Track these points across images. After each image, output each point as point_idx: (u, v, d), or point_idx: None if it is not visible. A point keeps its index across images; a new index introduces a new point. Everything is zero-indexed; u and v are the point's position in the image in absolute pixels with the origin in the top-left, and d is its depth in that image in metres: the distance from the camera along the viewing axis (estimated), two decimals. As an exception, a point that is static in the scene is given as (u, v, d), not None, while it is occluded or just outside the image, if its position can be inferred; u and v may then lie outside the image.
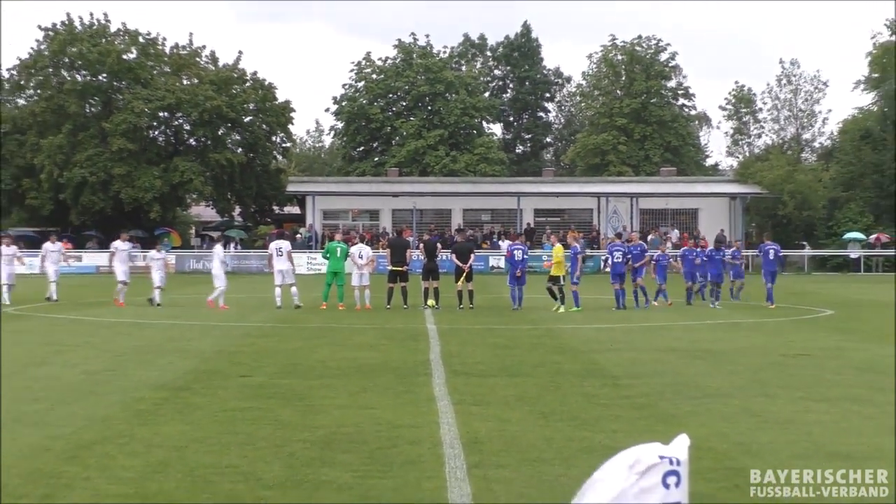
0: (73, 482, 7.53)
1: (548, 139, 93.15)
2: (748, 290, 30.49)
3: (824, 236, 61.63)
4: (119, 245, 28.73)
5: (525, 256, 26.86)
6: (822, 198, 62.21)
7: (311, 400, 11.15)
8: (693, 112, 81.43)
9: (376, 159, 72.86)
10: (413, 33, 75.13)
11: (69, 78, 60.71)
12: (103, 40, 60.58)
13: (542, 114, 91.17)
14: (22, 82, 61.82)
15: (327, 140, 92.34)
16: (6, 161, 59.53)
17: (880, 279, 49.42)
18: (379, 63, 74.14)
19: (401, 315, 23.95)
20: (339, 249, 26.37)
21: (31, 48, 61.33)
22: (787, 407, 10.83)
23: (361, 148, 75.32)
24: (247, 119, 63.46)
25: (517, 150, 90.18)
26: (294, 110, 65.12)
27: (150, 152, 60.46)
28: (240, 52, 75.23)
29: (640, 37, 76.34)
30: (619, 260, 26.62)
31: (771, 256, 28.37)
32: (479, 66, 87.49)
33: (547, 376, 13.12)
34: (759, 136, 73.40)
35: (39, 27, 61.97)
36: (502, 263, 47.92)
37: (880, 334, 19.36)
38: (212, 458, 8.22)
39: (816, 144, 74.21)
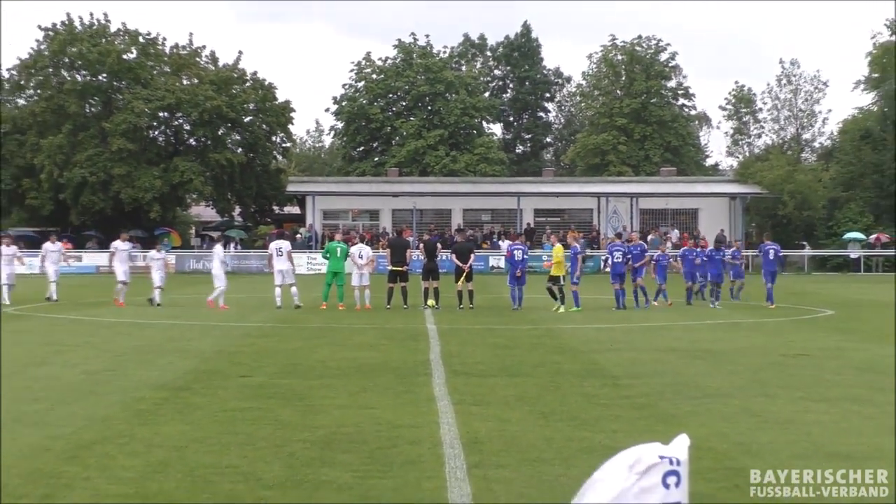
0: (73, 482, 7.53)
1: (548, 139, 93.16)
2: (748, 289, 30.50)
3: (824, 236, 61.64)
4: (119, 245, 28.74)
5: (525, 256, 26.86)
6: (822, 198, 62.21)
7: (311, 400, 11.15)
8: (693, 112, 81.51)
9: (376, 159, 72.86)
10: (413, 33, 75.25)
11: (69, 78, 60.72)
12: (103, 40, 60.59)
13: (542, 114, 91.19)
14: (22, 82, 61.84)
15: (327, 140, 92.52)
16: (6, 161, 59.55)
17: (880, 279, 49.42)
18: (379, 63, 74.16)
19: (401, 315, 23.95)
20: (339, 249, 26.37)
21: (31, 48, 61.43)
22: (786, 407, 10.83)
23: (361, 148, 75.32)
24: (247, 119, 63.47)
25: (517, 150, 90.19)
26: (294, 110, 65.22)
27: (150, 152, 60.47)
28: (240, 52, 75.37)
29: (640, 37, 76.44)
30: (619, 260, 26.63)
31: (771, 256, 28.38)
32: (479, 66, 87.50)
33: (547, 376, 13.12)
34: (759, 136, 73.53)
35: (39, 27, 62.06)
36: (502, 263, 47.93)
37: (880, 334, 19.37)
38: (212, 458, 8.22)
39: (816, 144, 74.33)
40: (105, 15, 62.22)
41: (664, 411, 10.63)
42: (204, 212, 73.69)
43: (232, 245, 54.54)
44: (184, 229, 68.65)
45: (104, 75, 60.82)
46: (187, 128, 62.76)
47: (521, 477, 7.71)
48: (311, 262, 50.64)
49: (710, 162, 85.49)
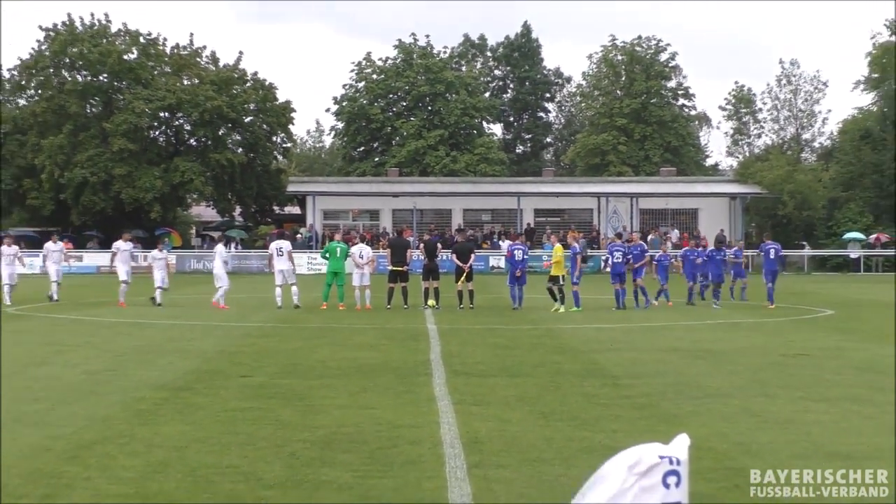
0: (73, 482, 7.54)
1: (548, 139, 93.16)
2: (749, 289, 30.47)
3: (824, 236, 61.64)
4: (121, 245, 28.74)
5: (525, 256, 26.89)
6: (822, 198, 62.22)
7: (312, 400, 11.15)
8: (693, 112, 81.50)
9: (376, 159, 72.85)
10: (413, 33, 75.22)
11: (70, 78, 60.75)
12: (104, 40, 60.61)
13: (542, 114, 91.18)
14: (23, 82, 61.86)
15: (327, 140, 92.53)
16: (7, 161, 59.57)
17: (880, 279, 49.42)
18: (379, 63, 74.15)
19: (401, 315, 23.96)
20: (338, 249, 26.39)
21: (32, 48, 61.44)
22: (786, 407, 10.84)
23: (362, 148, 75.32)
24: (247, 119, 63.48)
25: (517, 150, 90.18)
26: (294, 110, 65.22)
27: (150, 152, 60.48)
28: (240, 53, 75.25)
29: (639, 37, 76.43)
30: (619, 260, 26.66)
31: (772, 256, 28.39)
32: (479, 66, 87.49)
33: (547, 376, 13.12)
34: (759, 136, 73.52)
35: (40, 27, 62.25)
36: (502, 263, 47.93)
37: (880, 334, 19.37)
38: (212, 458, 8.23)
39: (816, 144, 74.33)
40: (106, 15, 62.38)
41: (664, 411, 10.64)
42: (204, 212, 73.70)
43: (232, 245, 54.54)
44: (184, 229, 68.66)
45: (105, 75, 60.85)
46: (188, 128, 62.78)
47: (522, 477, 7.71)
48: (312, 262, 50.63)
49: (710, 162, 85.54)
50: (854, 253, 58.70)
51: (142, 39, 62.08)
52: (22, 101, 62.72)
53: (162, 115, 61.43)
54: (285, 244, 27.23)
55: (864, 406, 10.90)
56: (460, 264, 26.72)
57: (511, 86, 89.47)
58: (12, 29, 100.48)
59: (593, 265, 46.88)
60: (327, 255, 26.66)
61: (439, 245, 28.40)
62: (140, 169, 58.47)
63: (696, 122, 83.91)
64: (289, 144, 69.56)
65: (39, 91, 60.99)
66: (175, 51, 63.20)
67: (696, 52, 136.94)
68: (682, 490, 4.21)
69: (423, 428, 9.49)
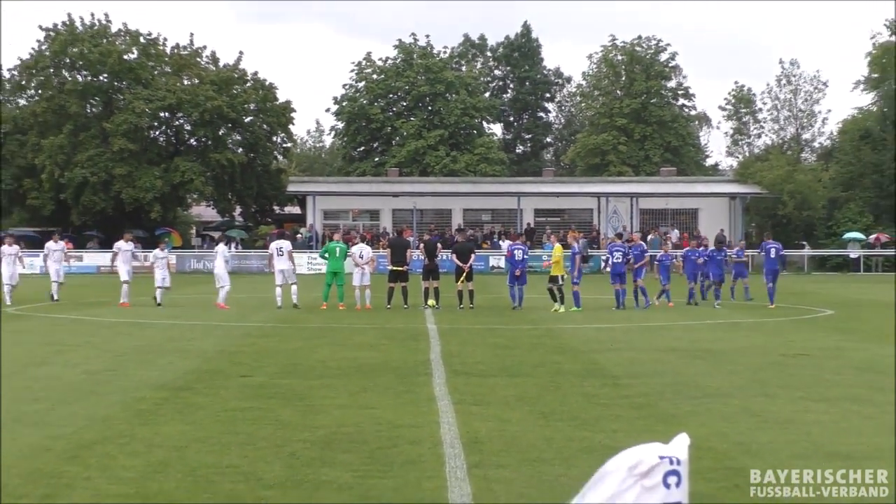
0: (73, 482, 7.54)
1: (548, 139, 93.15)
2: (751, 289, 30.37)
3: (824, 236, 61.64)
4: (122, 245, 28.72)
5: (525, 256, 26.91)
6: (822, 198, 62.21)
7: (312, 400, 11.16)
8: (693, 112, 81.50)
9: (376, 159, 72.85)
10: (413, 33, 75.19)
11: (70, 78, 60.72)
12: (104, 40, 60.59)
13: (542, 114, 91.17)
14: (23, 82, 61.84)
15: (328, 140, 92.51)
16: (7, 161, 59.55)
17: (880, 279, 49.43)
18: (379, 63, 74.15)
19: (401, 315, 23.96)
20: (338, 249, 26.41)
21: (32, 48, 61.39)
22: (786, 407, 10.84)
23: (362, 148, 75.32)
24: (247, 119, 63.45)
25: (517, 150, 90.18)
26: (294, 110, 65.17)
27: (150, 152, 60.47)
28: (240, 53, 75.09)
29: (639, 37, 76.42)
30: (619, 260, 26.68)
31: (772, 255, 28.38)
32: (479, 66, 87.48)
33: (547, 376, 13.13)
34: (759, 136, 73.49)
35: (40, 27, 62.14)
36: (502, 263, 47.91)
37: (880, 334, 19.37)
38: (212, 458, 8.23)
39: (816, 144, 74.30)
40: (106, 15, 62.32)
41: (664, 411, 10.64)
42: (204, 212, 73.70)
43: (232, 245, 54.52)
44: (184, 229, 68.65)
45: (105, 75, 60.82)
46: (188, 128, 62.76)
47: (521, 477, 7.72)
48: (312, 262, 50.61)
49: (709, 162, 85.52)
50: (854, 253, 58.71)
51: (142, 39, 62.06)
52: (22, 101, 62.69)
53: (162, 115, 61.42)
54: (285, 244, 27.24)
55: (864, 406, 10.91)
56: (460, 264, 26.72)
57: (511, 86, 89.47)
58: (12, 29, 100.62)
59: (593, 265, 46.89)
60: (326, 254, 26.69)
61: (439, 245, 28.42)
62: (140, 169, 58.47)
63: (696, 122, 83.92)
64: (289, 144, 69.55)
65: (39, 91, 60.98)
66: (175, 51, 63.19)
67: (696, 52, 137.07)
68: (683, 490, 4.21)
69: (423, 428, 9.50)
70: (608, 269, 27.22)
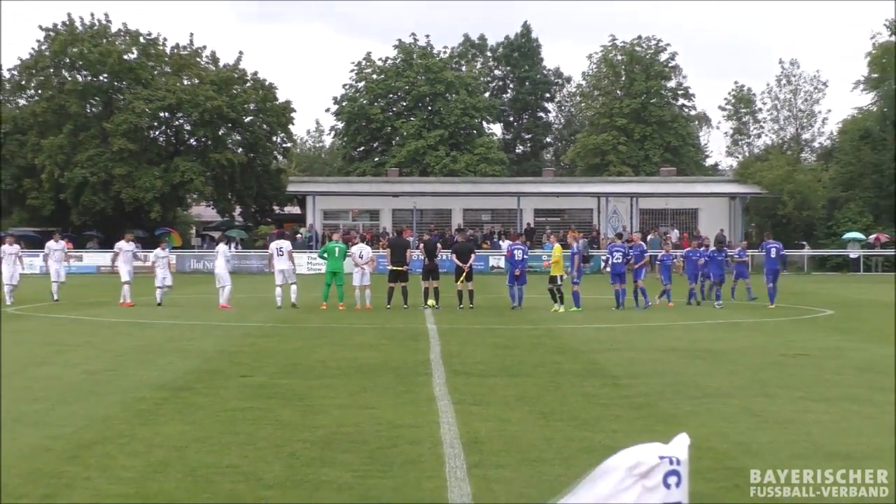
0: (73, 482, 7.54)
1: (548, 139, 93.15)
2: (752, 288, 30.33)
3: (824, 236, 61.64)
4: (123, 246, 28.69)
5: (525, 256, 26.92)
6: (822, 198, 62.21)
7: (312, 400, 11.16)
8: (693, 112, 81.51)
9: (376, 159, 72.86)
10: (413, 33, 75.21)
11: (70, 78, 60.71)
12: (104, 40, 60.58)
13: (542, 114, 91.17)
14: (23, 82, 61.82)
15: (327, 140, 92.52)
16: (7, 161, 59.54)
17: (880, 279, 49.43)
18: (379, 63, 74.15)
19: (401, 315, 23.96)
20: (336, 249, 26.43)
21: (32, 48, 61.38)
22: (786, 407, 10.84)
23: (362, 148, 75.33)
24: (247, 119, 63.45)
25: (517, 150, 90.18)
26: (294, 110, 65.16)
27: (150, 152, 60.46)
28: (240, 53, 75.11)
29: (639, 37, 76.44)
30: (619, 260, 26.69)
31: (773, 255, 28.36)
32: (479, 66, 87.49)
33: (547, 376, 13.13)
34: (759, 136, 73.52)
35: (40, 27, 62.12)
36: (502, 263, 47.90)
37: (880, 334, 19.37)
38: (212, 458, 8.23)
39: (816, 144, 74.33)
40: (106, 15, 62.30)
41: (664, 411, 10.64)
42: (204, 212, 73.70)
43: (232, 245, 54.50)
44: (184, 229, 68.64)
45: (105, 75, 60.81)
46: (188, 128, 62.76)
47: (521, 477, 7.71)
48: (312, 262, 50.61)
49: (709, 162, 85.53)
50: (854, 253, 58.72)
51: (142, 39, 62.05)
52: (22, 101, 62.67)
53: (162, 115, 61.40)
54: (285, 244, 27.25)
55: (864, 406, 10.91)
56: (460, 264, 26.72)
57: (511, 86, 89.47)
58: (12, 29, 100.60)
59: (593, 265, 46.90)
60: (325, 254, 26.71)
61: (439, 245, 28.43)
62: (140, 169, 58.46)
63: (696, 122, 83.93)
64: (289, 144, 69.54)
65: (39, 91, 60.96)
66: (175, 51, 63.18)
67: (696, 52, 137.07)
68: (683, 490, 4.21)
69: (422, 428, 9.50)
70: (608, 269, 27.24)
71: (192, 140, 63.18)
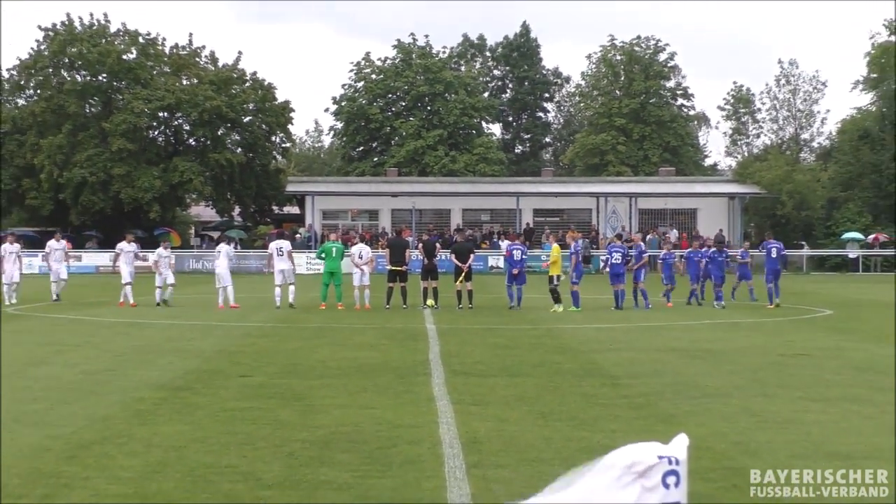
0: (72, 482, 7.54)
1: (547, 139, 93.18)
2: (754, 289, 30.28)
3: (823, 236, 61.65)
4: (124, 246, 28.65)
5: (524, 256, 26.93)
6: (821, 198, 62.23)
7: (311, 400, 11.15)
8: (692, 112, 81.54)
9: (375, 159, 72.88)
10: (412, 33, 75.27)
11: (69, 78, 60.68)
12: (103, 40, 60.54)
13: (541, 114, 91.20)
14: (22, 82, 61.78)
15: (327, 140, 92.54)
16: (6, 161, 59.51)
17: (879, 279, 49.45)
18: (378, 63, 74.17)
19: (400, 315, 23.96)
20: (334, 249, 26.44)
21: (31, 48, 61.33)
22: (786, 407, 10.84)
23: (361, 148, 75.34)
24: (246, 119, 63.42)
25: (516, 150, 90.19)
26: (293, 110, 65.11)
27: (149, 152, 60.44)
28: (239, 53, 75.02)
29: (638, 37, 76.51)
30: (619, 261, 26.69)
31: (773, 255, 28.33)
32: (478, 66, 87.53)
33: (546, 376, 13.12)
34: (758, 136, 73.60)
35: (39, 27, 61.98)
36: (502, 263, 47.85)
37: (879, 334, 19.37)
38: (211, 458, 8.23)
39: (815, 144, 74.40)
40: (105, 15, 62.23)
41: (663, 411, 10.64)
42: (203, 212, 73.69)
43: (232, 245, 54.46)
44: (183, 229, 68.61)
45: (104, 75, 60.77)
46: (187, 128, 62.72)
47: (521, 477, 7.71)
48: (311, 262, 50.58)
49: (708, 162, 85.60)
50: (853, 253, 58.73)
51: (141, 39, 62.01)
52: (21, 101, 62.61)
53: (161, 115, 61.37)
54: (285, 244, 27.23)
55: (863, 406, 10.90)
56: (459, 264, 26.72)
57: (510, 86, 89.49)
58: (12, 29, 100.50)
59: (593, 265, 46.89)
60: (323, 255, 26.72)
61: (438, 245, 28.44)
62: (139, 169, 58.43)
63: (695, 122, 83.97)
64: (288, 144, 69.49)
65: (38, 91, 60.92)
66: (174, 51, 63.16)
67: (695, 52, 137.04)
68: (682, 490, 4.21)
69: (422, 428, 9.50)
70: (608, 269, 27.23)
71: (191, 140, 63.14)
